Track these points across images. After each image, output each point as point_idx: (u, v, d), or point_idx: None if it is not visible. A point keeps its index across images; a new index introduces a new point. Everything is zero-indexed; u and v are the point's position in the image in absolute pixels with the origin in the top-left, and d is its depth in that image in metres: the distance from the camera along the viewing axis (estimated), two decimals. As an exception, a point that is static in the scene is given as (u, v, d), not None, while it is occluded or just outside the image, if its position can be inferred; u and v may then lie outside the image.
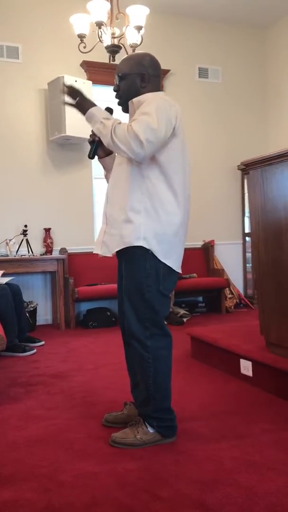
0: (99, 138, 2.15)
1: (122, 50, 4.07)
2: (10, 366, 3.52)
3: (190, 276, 5.44)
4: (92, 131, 2.17)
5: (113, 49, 3.99)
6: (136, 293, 2.08)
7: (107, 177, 2.33)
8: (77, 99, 2.12)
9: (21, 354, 3.81)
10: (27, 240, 5.01)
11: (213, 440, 2.13)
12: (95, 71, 5.41)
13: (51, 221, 5.27)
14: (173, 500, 1.65)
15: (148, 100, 2.03)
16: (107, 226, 2.14)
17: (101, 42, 4.00)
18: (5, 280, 4.06)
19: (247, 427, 2.26)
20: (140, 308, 2.08)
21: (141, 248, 2.03)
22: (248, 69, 6.31)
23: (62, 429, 2.30)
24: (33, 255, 4.95)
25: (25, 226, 5.01)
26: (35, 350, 3.92)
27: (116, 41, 4.01)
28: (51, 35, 5.28)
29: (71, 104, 2.15)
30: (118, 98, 2.20)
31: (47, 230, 5.17)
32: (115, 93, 2.20)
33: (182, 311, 5.18)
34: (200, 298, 5.87)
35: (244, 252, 6.27)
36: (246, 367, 2.92)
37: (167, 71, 5.73)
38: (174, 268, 2.10)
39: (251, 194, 2.86)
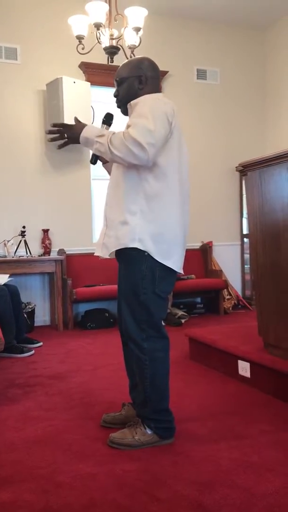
0: None
1: (121, 52, 4.07)
2: (8, 367, 3.51)
3: (188, 277, 5.44)
4: None
5: (112, 51, 3.99)
6: (132, 295, 2.08)
7: None
8: (66, 134, 2.13)
9: (19, 355, 3.81)
10: (25, 241, 5.01)
11: (211, 441, 2.13)
12: (94, 72, 5.41)
13: (50, 222, 5.27)
14: (171, 501, 1.65)
15: (141, 102, 2.03)
16: (107, 229, 2.14)
17: (100, 43, 4.00)
18: (3, 281, 4.06)
19: (245, 428, 2.26)
20: (136, 310, 2.08)
21: (137, 249, 2.03)
22: (247, 70, 6.32)
23: (60, 430, 2.30)
24: (31, 256, 4.95)
25: (23, 227, 5.01)
26: (33, 351, 3.91)
27: (114, 43, 4.01)
28: (49, 36, 5.29)
29: (65, 144, 2.16)
30: (118, 103, 2.20)
31: (45, 231, 5.17)
32: (115, 98, 2.20)
33: (180, 312, 5.18)
34: (199, 299, 5.87)
35: (242, 253, 6.27)
36: (244, 368, 2.92)
37: (165, 72, 5.73)
38: (174, 268, 2.09)
39: (249, 195, 2.87)
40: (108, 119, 2.17)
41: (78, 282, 5.13)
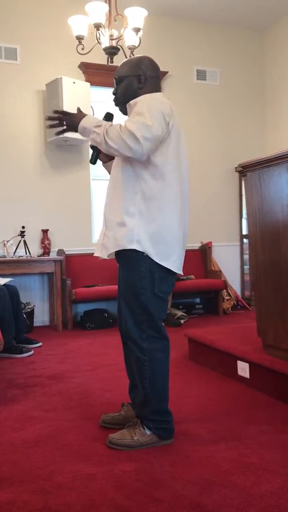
0: None
1: (120, 52, 4.08)
2: (7, 367, 3.51)
3: (187, 277, 5.44)
4: None
5: (111, 51, 4.00)
6: (132, 295, 2.08)
7: None
8: (65, 122, 2.12)
9: (18, 356, 3.81)
10: (24, 241, 5.01)
11: (210, 441, 2.13)
12: (93, 73, 5.41)
13: (49, 223, 5.27)
14: (170, 502, 1.65)
15: (140, 102, 2.04)
16: (106, 229, 2.14)
17: (99, 43, 4.01)
18: (3, 281, 4.06)
19: (244, 428, 2.26)
20: (136, 311, 2.08)
21: (135, 251, 2.03)
22: (246, 71, 6.33)
23: (59, 430, 2.30)
24: (31, 256, 4.95)
25: (23, 227, 5.01)
26: (32, 352, 3.91)
27: (114, 43, 4.02)
28: (49, 36, 5.29)
29: (63, 131, 2.15)
30: (116, 101, 2.20)
31: (45, 232, 5.17)
32: (114, 96, 2.20)
33: (179, 313, 5.18)
34: (198, 300, 5.87)
35: (242, 253, 6.27)
36: (243, 368, 2.92)
37: (165, 73, 5.74)
38: (173, 269, 2.09)
39: (249, 196, 2.87)
40: (108, 119, 2.17)
41: (78, 283, 5.13)
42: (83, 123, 2.09)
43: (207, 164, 6.07)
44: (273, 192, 2.65)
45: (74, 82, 4.98)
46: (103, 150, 2.04)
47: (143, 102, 2.01)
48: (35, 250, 5.19)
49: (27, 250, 5.01)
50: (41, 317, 5.25)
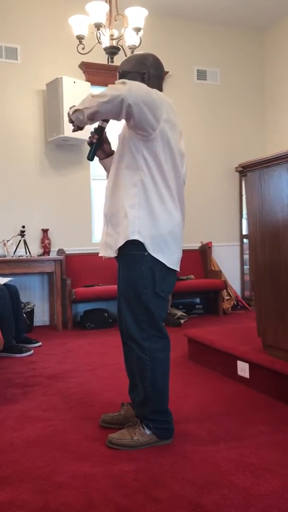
0: (98, 139, 2.16)
1: (121, 52, 4.07)
2: (7, 367, 3.51)
3: (187, 277, 5.45)
4: (91, 132, 2.17)
5: (112, 51, 4.00)
6: (133, 295, 2.08)
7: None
8: (73, 121, 2.10)
9: (18, 355, 3.81)
10: (24, 241, 5.01)
11: (210, 441, 2.13)
12: (94, 72, 5.41)
13: (49, 222, 5.27)
14: (170, 502, 1.65)
15: None
16: (108, 227, 2.14)
17: (100, 43, 4.01)
18: (3, 281, 4.06)
19: (244, 429, 2.26)
20: (136, 310, 2.08)
21: (137, 248, 2.03)
22: (247, 71, 6.33)
23: (59, 430, 2.30)
24: (31, 256, 4.95)
25: (23, 227, 5.01)
26: (32, 351, 3.91)
27: (114, 43, 4.01)
28: (50, 36, 5.29)
29: (77, 128, 2.13)
30: None
31: (45, 231, 5.17)
32: None
33: (179, 313, 5.18)
34: (198, 300, 5.87)
35: (242, 253, 6.27)
36: (243, 369, 2.92)
37: (165, 72, 5.73)
38: (169, 265, 2.08)
39: (249, 196, 2.87)
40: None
41: (78, 282, 5.13)
42: (77, 106, 2.06)
43: (207, 164, 6.06)
44: (273, 192, 2.65)
45: (74, 82, 4.98)
46: (100, 113, 1.98)
47: None
48: (35, 249, 5.19)
49: (27, 250, 5.01)
50: (41, 317, 5.25)
